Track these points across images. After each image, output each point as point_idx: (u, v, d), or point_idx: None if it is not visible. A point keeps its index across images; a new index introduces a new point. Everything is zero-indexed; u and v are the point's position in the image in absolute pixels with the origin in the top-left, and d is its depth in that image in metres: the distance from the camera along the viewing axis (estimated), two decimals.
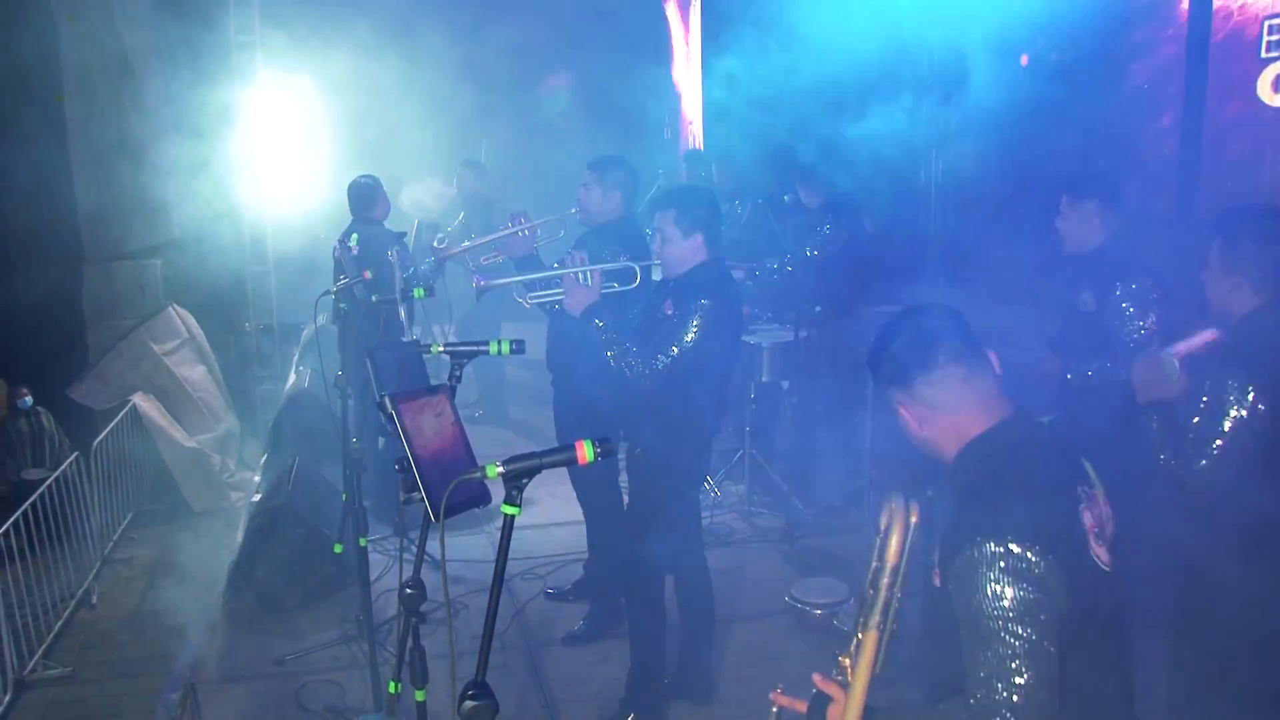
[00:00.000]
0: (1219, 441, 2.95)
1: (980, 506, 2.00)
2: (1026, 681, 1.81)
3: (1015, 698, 1.81)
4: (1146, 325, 4.10)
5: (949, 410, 2.14)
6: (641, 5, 11.98)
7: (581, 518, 5.29)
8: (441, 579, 2.29)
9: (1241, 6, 7.55)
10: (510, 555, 2.05)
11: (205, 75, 7.74)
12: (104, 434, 6.02)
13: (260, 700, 4.53)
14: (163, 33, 7.82)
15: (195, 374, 7.25)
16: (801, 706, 2.17)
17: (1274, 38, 7.32)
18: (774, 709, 2.22)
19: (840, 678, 2.11)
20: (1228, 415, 2.94)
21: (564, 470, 5.36)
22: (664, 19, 12.49)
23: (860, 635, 2.08)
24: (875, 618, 2.04)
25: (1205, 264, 3.24)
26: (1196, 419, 3.02)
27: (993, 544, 1.88)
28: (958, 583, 1.94)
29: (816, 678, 2.13)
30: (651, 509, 4.08)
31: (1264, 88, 7.40)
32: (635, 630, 4.19)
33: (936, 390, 2.13)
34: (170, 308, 7.40)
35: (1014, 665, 1.82)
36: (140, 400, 6.60)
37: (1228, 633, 3.08)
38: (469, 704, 2.01)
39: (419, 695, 3.00)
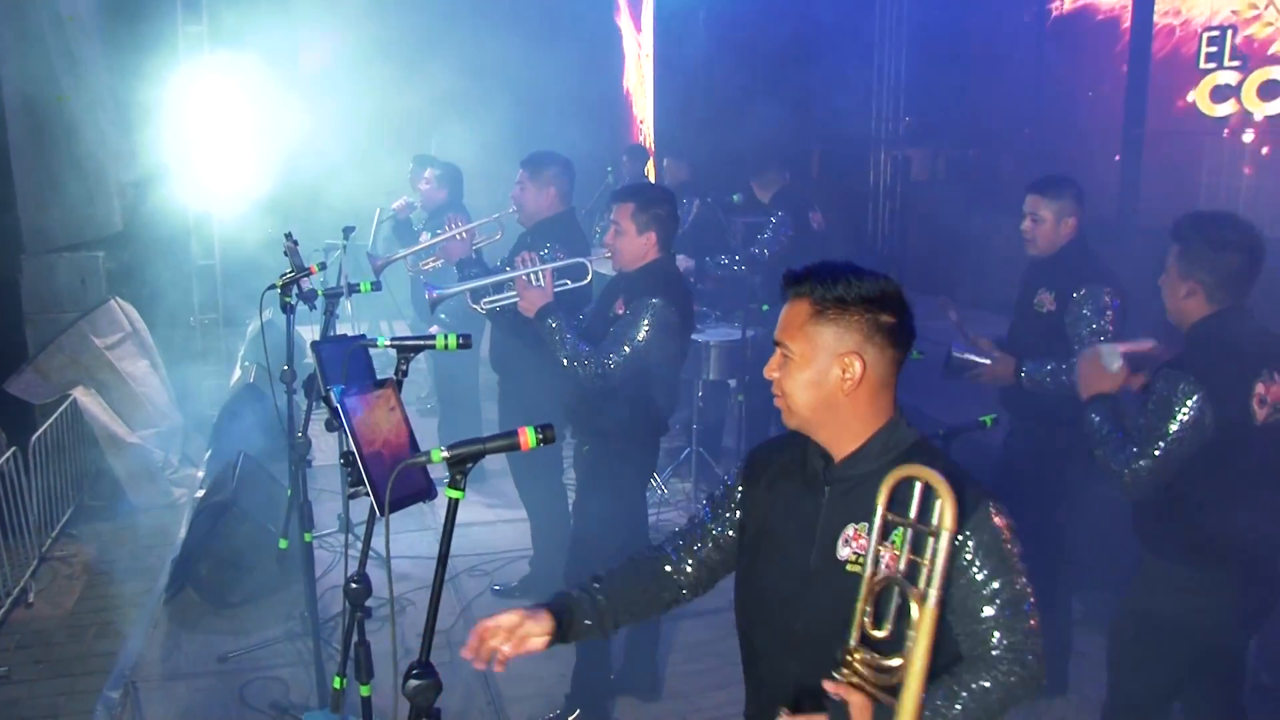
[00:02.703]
0: (1161, 443, 3.01)
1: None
2: None
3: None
4: (1102, 332, 4.05)
5: None
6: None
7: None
8: (386, 572, 2.29)
9: (1185, 22, 7.74)
10: (457, 551, 2.08)
11: (151, 64, 7.63)
12: (43, 429, 5.90)
13: (203, 698, 4.47)
14: (107, 21, 7.70)
15: (138, 368, 7.13)
16: None
17: (1212, 49, 7.52)
18: None
19: (854, 676, 1.88)
20: (1174, 418, 2.99)
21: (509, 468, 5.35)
22: (615, 12, 12.52)
23: (878, 624, 1.88)
24: (935, 592, 1.81)
25: (1165, 270, 3.25)
26: (1143, 419, 3.08)
27: None
28: None
29: (829, 685, 1.89)
30: (598, 506, 4.09)
31: (1202, 98, 7.61)
32: None
33: None
34: (112, 300, 7.27)
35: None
36: (81, 394, 6.48)
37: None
38: (413, 683, 2.02)
39: (364, 690, 3.00)
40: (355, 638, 3.00)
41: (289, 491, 4.22)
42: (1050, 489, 4.32)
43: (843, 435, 2.08)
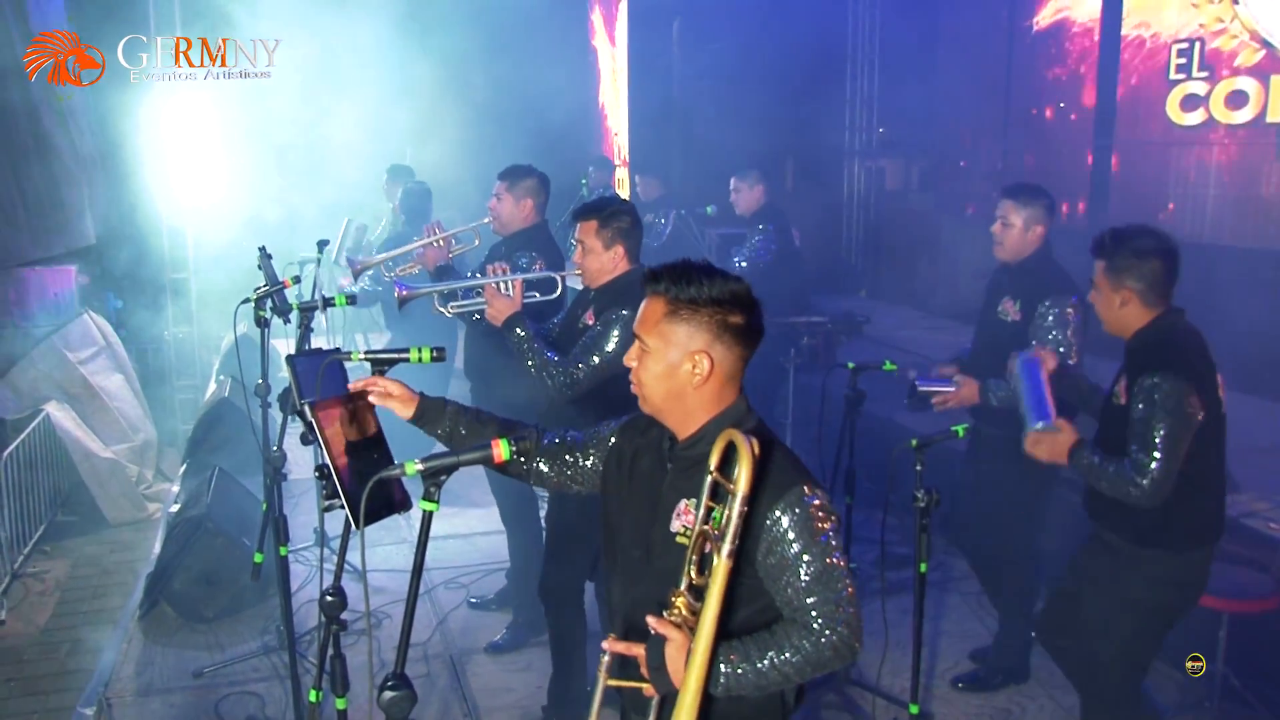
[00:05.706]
0: (1164, 442, 3.10)
1: None
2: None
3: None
4: (1063, 344, 4.05)
5: None
6: (566, 12, 12.06)
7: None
8: (363, 585, 2.30)
9: (1154, 35, 7.85)
10: (434, 564, 2.10)
11: (124, 77, 7.60)
12: (15, 444, 5.85)
13: (178, 714, 4.44)
14: (80, 33, 7.66)
15: (112, 383, 7.09)
16: (639, 650, 2.11)
17: (1181, 60, 7.64)
18: (604, 658, 2.16)
19: (677, 616, 2.05)
20: (1169, 415, 3.11)
21: (487, 481, 5.35)
22: (587, 27, 12.58)
23: (701, 572, 2.05)
24: (728, 545, 1.98)
25: (1094, 287, 3.40)
26: (1137, 426, 3.17)
27: None
28: None
29: (651, 620, 2.06)
30: (571, 517, 4.09)
31: (1172, 108, 7.72)
32: (557, 638, 4.20)
33: None
34: (86, 314, 7.24)
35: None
36: (54, 409, 6.44)
37: None
38: (387, 694, 2.03)
39: (340, 703, 2.99)
40: (331, 651, 3.00)
41: (264, 505, 4.21)
42: (1018, 496, 4.38)
43: (686, 421, 2.26)
